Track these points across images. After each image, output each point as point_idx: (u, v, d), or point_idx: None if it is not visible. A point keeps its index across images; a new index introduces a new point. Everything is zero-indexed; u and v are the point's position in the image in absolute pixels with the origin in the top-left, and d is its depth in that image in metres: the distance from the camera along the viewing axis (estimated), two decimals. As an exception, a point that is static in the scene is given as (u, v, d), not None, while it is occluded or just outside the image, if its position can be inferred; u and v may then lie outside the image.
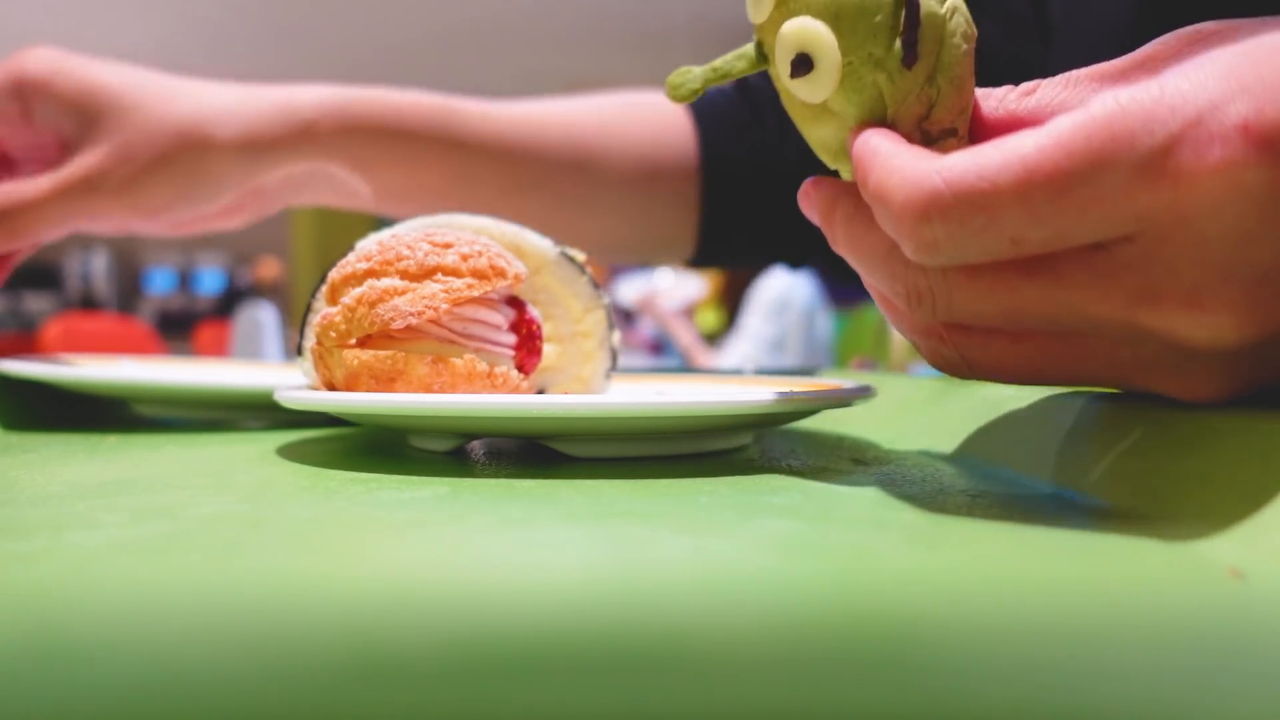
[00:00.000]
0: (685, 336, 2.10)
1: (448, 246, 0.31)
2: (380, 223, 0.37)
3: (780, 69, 0.24)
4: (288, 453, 0.32)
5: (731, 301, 2.05)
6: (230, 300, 5.07)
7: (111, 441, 0.35)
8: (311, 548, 0.19)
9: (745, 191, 0.56)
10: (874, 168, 0.21)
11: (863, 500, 0.23)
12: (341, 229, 5.46)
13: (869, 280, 0.25)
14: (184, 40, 4.17)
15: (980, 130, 0.24)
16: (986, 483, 0.26)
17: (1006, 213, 0.19)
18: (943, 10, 0.23)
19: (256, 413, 0.44)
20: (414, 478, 0.26)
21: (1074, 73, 0.23)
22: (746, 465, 0.29)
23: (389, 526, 0.21)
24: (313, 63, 4.47)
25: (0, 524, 0.20)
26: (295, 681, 0.12)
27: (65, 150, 0.44)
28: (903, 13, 0.22)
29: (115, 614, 0.14)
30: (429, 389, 0.30)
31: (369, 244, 0.32)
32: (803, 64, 0.23)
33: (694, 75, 0.26)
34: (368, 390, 0.30)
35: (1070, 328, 0.21)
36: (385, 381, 0.30)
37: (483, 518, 0.21)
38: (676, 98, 0.26)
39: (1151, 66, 0.22)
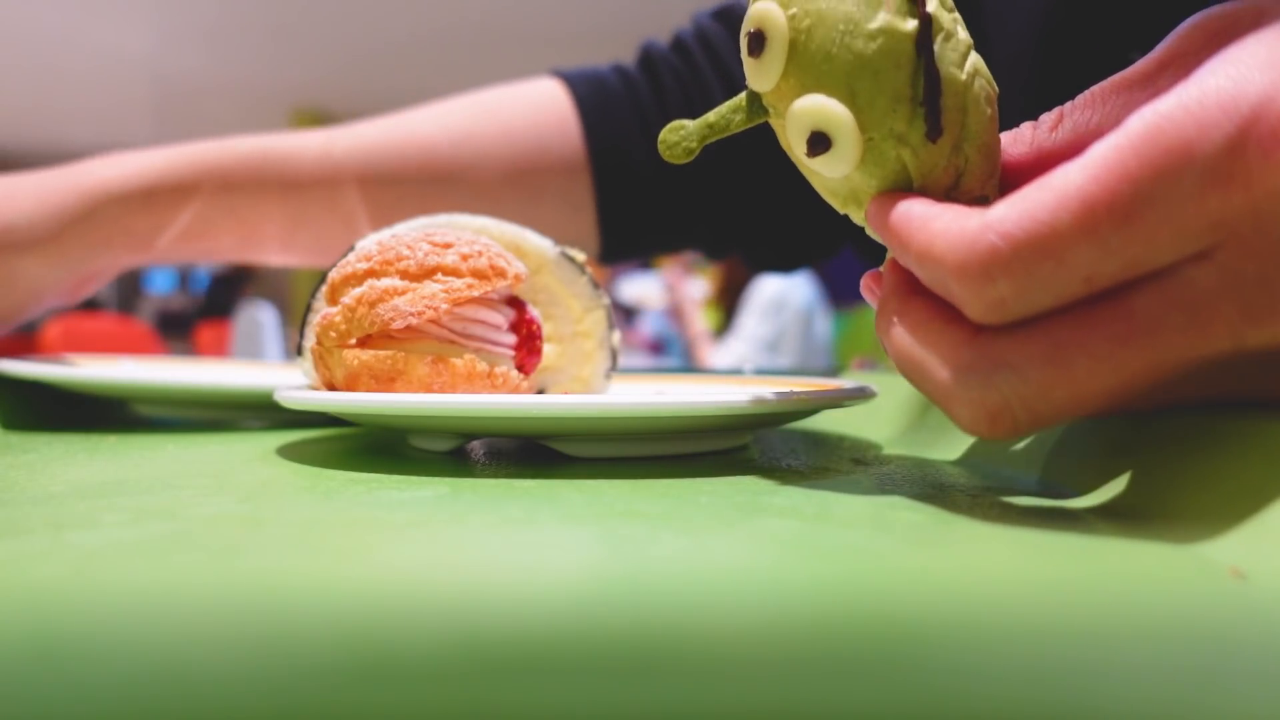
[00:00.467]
0: (698, 325, 2.10)
1: (448, 246, 0.31)
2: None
3: (794, 145, 0.22)
4: (288, 453, 0.32)
5: (729, 301, 2.05)
6: (221, 291, 4.99)
7: (111, 441, 0.35)
8: (311, 548, 0.19)
9: (646, 178, 0.51)
10: (916, 235, 0.20)
11: (863, 500, 0.23)
12: (341, 229, 5.45)
13: (924, 380, 0.21)
14: (184, 40, 4.17)
15: (1015, 176, 0.22)
16: (986, 483, 0.26)
17: (1074, 252, 0.18)
18: (964, 76, 0.21)
19: (256, 413, 0.44)
20: (414, 478, 0.26)
21: (1096, 88, 0.22)
22: (746, 465, 0.29)
23: (389, 526, 0.21)
24: (312, 62, 4.47)
25: (0, 524, 0.20)
26: (295, 681, 0.12)
27: None
28: (922, 83, 0.21)
29: (115, 614, 0.14)
30: (429, 389, 0.30)
31: (369, 244, 0.32)
32: (819, 143, 0.22)
33: (689, 132, 0.25)
34: (368, 390, 0.30)
35: (1178, 370, 0.19)
36: (385, 381, 0.30)
37: (483, 518, 0.21)
38: (672, 157, 0.25)
39: (1179, 67, 0.21)
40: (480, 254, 0.32)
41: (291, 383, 0.38)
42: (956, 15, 0.22)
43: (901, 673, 0.12)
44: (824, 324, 2.00)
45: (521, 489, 0.25)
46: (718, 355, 1.95)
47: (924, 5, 0.21)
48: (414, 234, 0.32)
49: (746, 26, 0.22)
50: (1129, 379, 0.19)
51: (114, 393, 0.44)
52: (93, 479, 0.26)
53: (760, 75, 0.22)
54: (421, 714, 0.11)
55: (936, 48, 0.21)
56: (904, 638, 0.13)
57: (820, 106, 0.21)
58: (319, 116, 5.34)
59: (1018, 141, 0.23)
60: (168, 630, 0.13)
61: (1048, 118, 0.23)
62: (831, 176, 0.22)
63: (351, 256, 0.32)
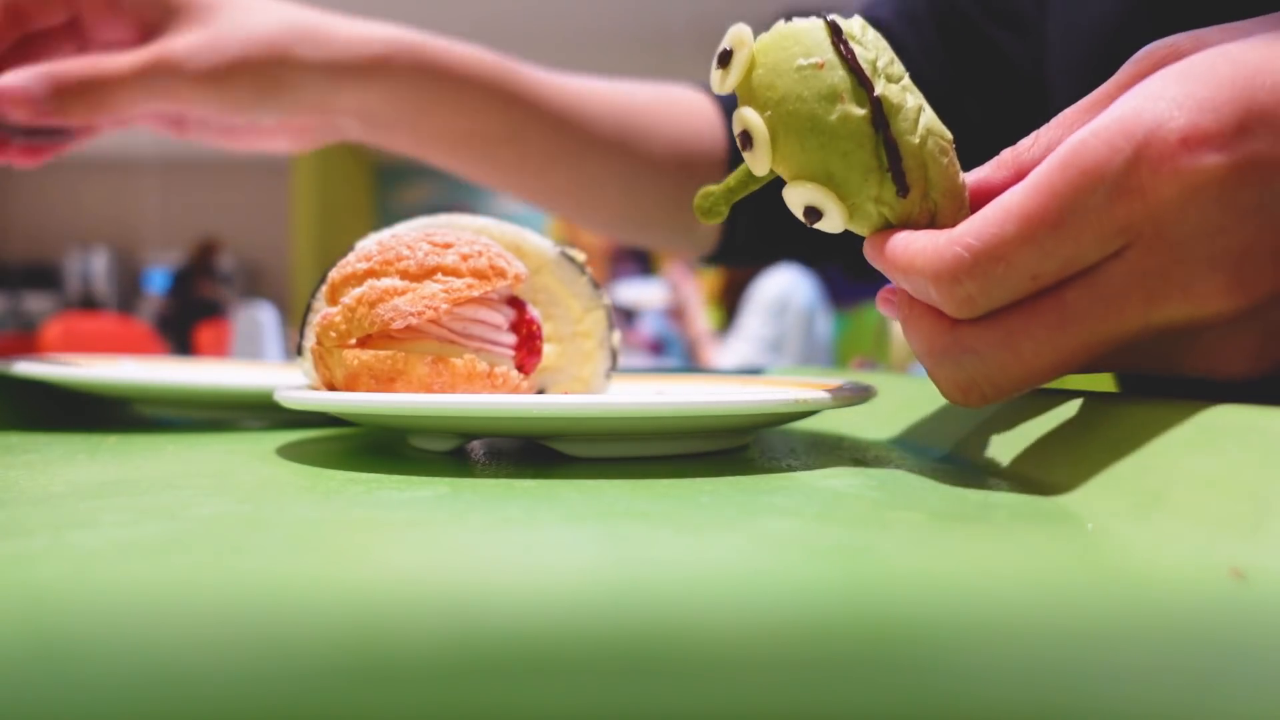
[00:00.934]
0: (701, 325, 2.09)
1: (448, 246, 0.31)
2: (380, 223, 0.37)
3: (795, 214, 0.27)
4: (288, 453, 0.32)
5: (731, 301, 2.04)
6: (181, 288, 4.89)
7: (112, 441, 0.35)
8: (311, 548, 0.19)
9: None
10: (899, 256, 0.25)
11: (863, 500, 0.23)
12: (341, 229, 5.47)
13: (930, 370, 0.27)
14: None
15: (1008, 187, 0.26)
16: (987, 483, 0.26)
17: (1019, 255, 0.22)
18: (917, 139, 0.25)
19: (256, 413, 0.44)
20: (414, 478, 0.26)
21: (1065, 112, 0.26)
22: (746, 465, 0.29)
23: (389, 526, 0.21)
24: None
25: (0, 524, 0.20)
26: (295, 681, 0.12)
27: (144, 39, 0.44)
28: (884, 153, 0.25)
29: (115, 614, 0.14)
30: (429, 389, 0.30)
31: (369, 244, 0.32)
32: (812, 214, 0.27)
33: (716, 197, 0.29)
34: (368, 390, 0.30)
35: (1104, 347, 0.24)
36: (385, 381, 0.30)
37: (483, 518, 0.21)
38: (706, 219, 0.29)
39: (1119, 92, 0.24)
40: (480, 254, 0.32)
41: (291, 383, 0.38)
42: (904, 82, 0.26)
43: (902, 673, 0.12)
44: (825, 324, 2.00)
45: (521, 489, 0.25)
46: (722, 356, 1.95)
47: (872, 90, 0.25)
48: (414, 234, 0.32)
49: (735, 128, 0.27)
50: (1066, 357, 0.23)
51: (114, 393, 0.44)
52: (93, 479, 0.26)
53: (755, 164, 0.27)
54: (421, 714, 0.11)
55: (890, 123, 0.25)
56: (905, 638, 0.13)
57: (807, 190, 0.26)
58: (319, 116, 5.33)
59: (1000, 166, 0.27)
60: (168, 630, 0.13)
61: (1024, 141, 0.27)
62: (831, 232, 0.27)
63: (351, 257, 0.32)
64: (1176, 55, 0.24)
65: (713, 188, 0.29)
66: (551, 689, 0.11)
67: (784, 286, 1.88)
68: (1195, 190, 0.21)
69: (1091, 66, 0.41)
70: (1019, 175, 0.26)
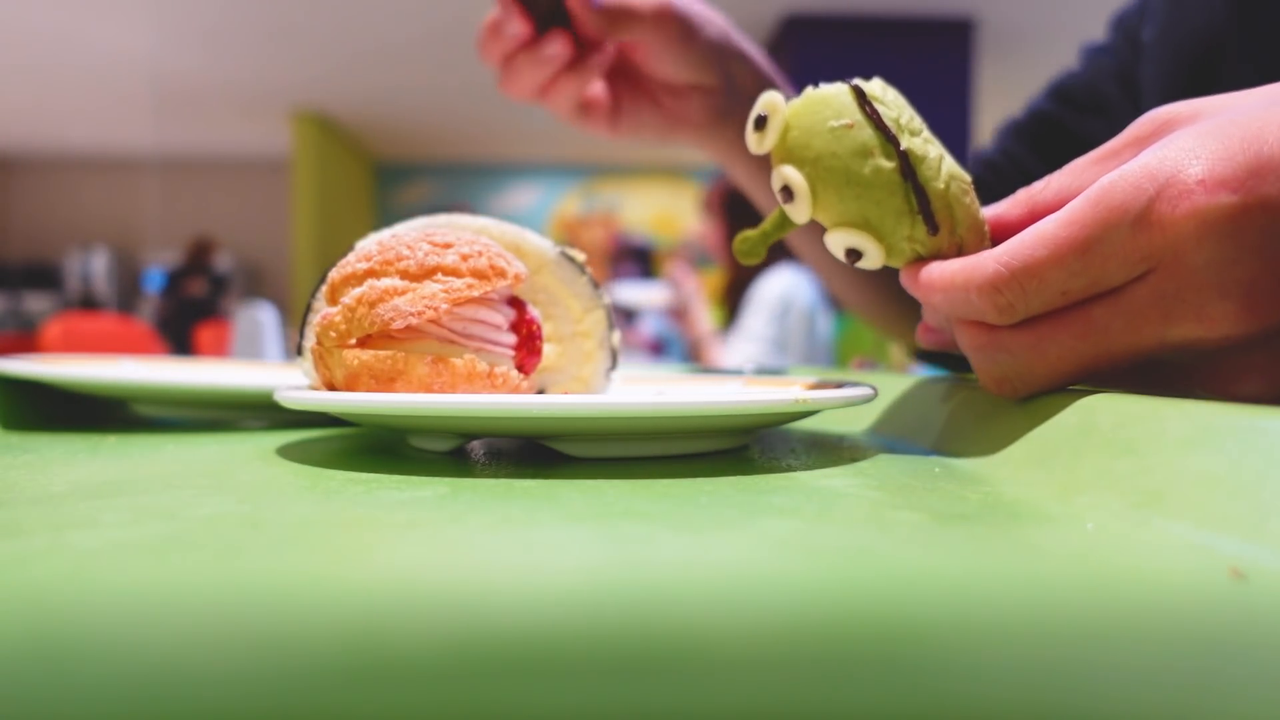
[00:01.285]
0: (704, 324, 2.08)
1: (448, 246, 0.31)
2: (380, 223, 0.37)
3: (837, 257, 0.31)
4: (288, 453, 0.32)
5: (733, 300, 2.03)
6: (174, 288, 4.85)
7: (111, 441, 0.35)
8: (311, 548, 0.19)
9: None
10: (940, 278, 0.29)
11: (863, 500, 0.23)
12: (342, 229, 5.47)
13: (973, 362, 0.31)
14: (184, 40, 4.17)
15: (1017, 228, 0.30)
16: (987, 483, 0.26)
17: (1051, 275, 0.26)
18: (942, 184, 0.29)
19: (256, 413, 0.44)
20: (414, 478, 0.26)
21: (1076, 161, 0.31)
22: (746, 465, 0.29)
23: (389, 526, 0.21)
24: (312, 62, 4.47)
25: (0, 524, 0.20)
26: (295, 681, 0.12)
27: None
28: (914, 199, 0.29)
29: (115, 614, 0.14)
30: (429, 389, 0.30)
31: (369, 244, 0.32)
32: (853, 255, 0.30)
33: (753, 240, 0.33)
34: (368, 390, 0.30)
35: (1121, 357, 0.27)
36: (385, 381, 0.30)
37: (483, 518, 0.21)
38: (745, 261, 0.33)
39: (1136, 146, 0.29)
40: (480, 254, 0.32)
41: (291, 383, 0.38)
42: (924, 135, 0.30)
43: (902, 673, 0.12)
44: (825, 324, 1.99)
45: (521, 489, 0.25)
46: (727, 356, 1.94)
47: (899, 145, 0.29)
48: (414, 234, 0.32)
49: (775, 184, 0.31)
50: (1088, 362, 0.27)
51: (114, 393, 0.44)
52: (93, 479, 0.26)
53: (796, 215, 0.30)
54: (422, 714, 0.11)
55: (917, 172, 0.29)
56: (904, 638, 0.13)
57: (846, 234, 0.30)
58: (319, 116, 5.34)
59: (1016, 204, 0.32)
60: (168, 630, 0.13)
61: (1038, 184, 0.31)
62: (872, 270, 0.31)
63: (351, 257, 0.32)
64: (1178, 119, 0.28)
65: (750, 233, 0.33)
66: (551, 689, 0.11)
67: (787, 286, 1.87)
68: (1210, 226, 0.24)
69: (1184, 80, 0.47)
70: (1032, 213, 0.31)
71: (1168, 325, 0.26)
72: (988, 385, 0.30)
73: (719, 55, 0.52)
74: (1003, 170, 0.63)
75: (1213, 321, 0.25)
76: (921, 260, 0.30)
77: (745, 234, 0.33)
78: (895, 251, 0.30)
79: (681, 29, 0.50)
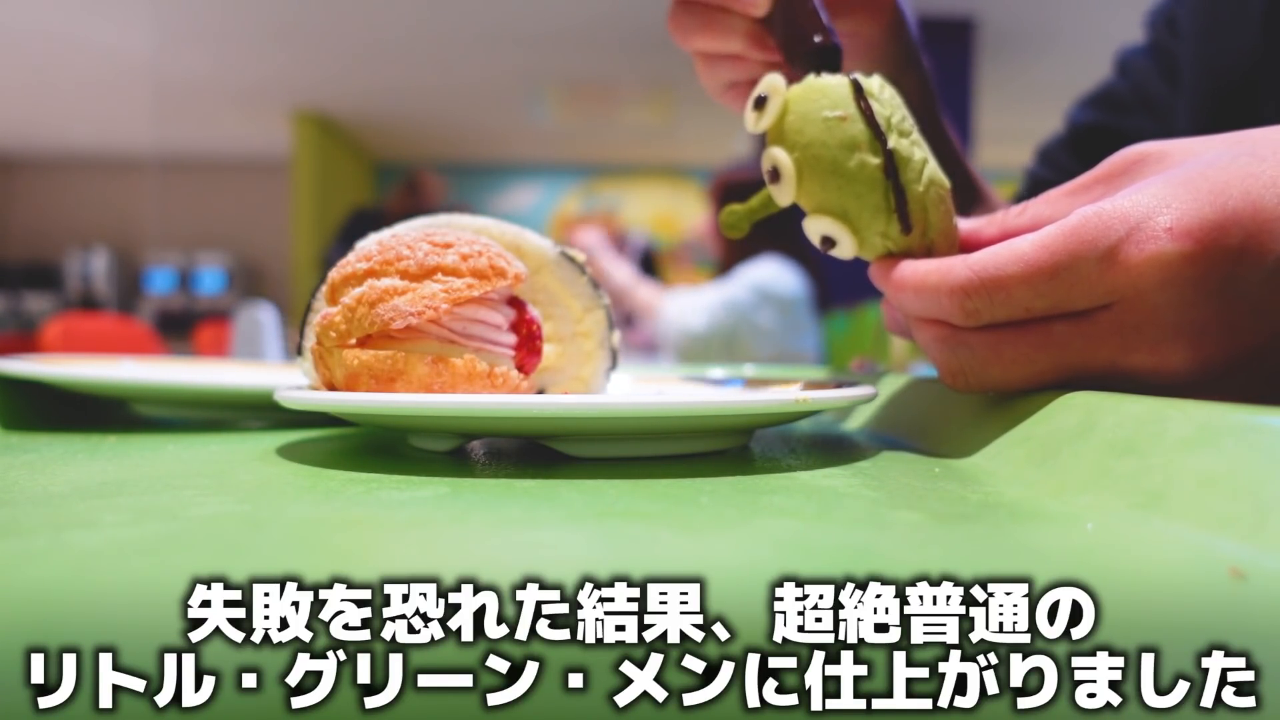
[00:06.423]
0: (619, 276, 1.79)
1: (448, 246, 0.31)
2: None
3: (812, 242, 0.32)
4: (288, 453, 0.32)
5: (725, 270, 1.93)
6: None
7: (111, 441, 0.35)
8: (311, 548, 0.19)
9: None
10: (910, 277, 0.30)
11: (863, 500, 0.23)
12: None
13: (930, 355, 0.32)
14: (184, 40, 4.17)
15: (995, 240, 0.31)
16: (987, 483, 0.26)
17: (1017, 290, 0.28)
18: (921, 187, 0.30)
19: (256, 413, 0.44)
20: (414, 478, 0.26)
21: (1050, 191, 0.32)
22: (746, 465, 0.29)
23: (389, 526, 0.21)
24: (312, 62, 4.47)
25: (0, 524, 0.20)
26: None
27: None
28: (893, 197, 0.30)
29: (115, 614, 0.14)
30: (429, 389, 0.30)
31: (369, 244, 0.32)
32: (827, 243, 0.31)
33: (739, 215, 0.34)
34: (368, 390, 0.30)
35: (1071, 372, 0.29)
36: (385, 381, 0.30)
37: (483, 518, 0.21)
38: (730, 235, 0.34)
39: (1108, 183, 0.31)
40: (480, 254, 0.32)
41: (291, 383, 0.38)
42: (913, 137, 0.31)
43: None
44: (810, 320, 1.92)
45: (521, 489, 0.25)
46: (665, 305, 1.77)
47: (886, 143, 0.30)
48: (414, 234, 0.32)
49: (765, 164, 0.31)
50: (1043, 370, 0.29)
51: (114, 393, 0.44)
52: (93, 479, 0.26)
53: (780, 196, 0.32)
54: (422, 714, 0.11)
55: (900, 173, 0.30)
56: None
57: (824, 221, 0.31)
58: (319, 116, 5.34)
59: (991, 223, 0.33)
60: (167, 630, 0.13)
61: (1015, 208, 0.33)
62: (842, 258, 0.32)
63: (351, 256, 0.32)
64: (1146, 160, 0.30)
65: (737, 207, 0.34)
66: (551, 689, 0.11)
67: (768, 275, 1.78)
68: (1172, 270, 0.26)
69: (1219, 102, 0.49)
70: (1003, 233, 0.32)
71: (1124, 353, 0.28)
72: (943, 376, 0.31)
73: (909, 59, 0.50)
74: (1054, 186, 0.63)
75: (1164, 357, 0.27)
76: (892, 256, 0.31)
77: (732, 208, 0.34)
78: (868, 245, 0.31)
79: (894, 21, 0.47)
